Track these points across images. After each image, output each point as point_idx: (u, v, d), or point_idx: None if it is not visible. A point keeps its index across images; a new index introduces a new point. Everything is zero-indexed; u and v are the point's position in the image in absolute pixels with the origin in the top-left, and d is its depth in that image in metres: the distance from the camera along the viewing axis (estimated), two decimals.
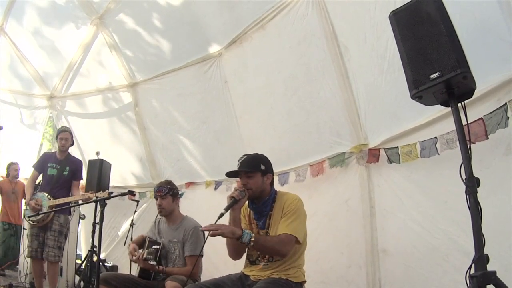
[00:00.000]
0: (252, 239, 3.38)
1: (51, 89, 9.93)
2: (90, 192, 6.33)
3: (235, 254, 3.85)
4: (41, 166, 6.52)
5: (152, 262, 4.60)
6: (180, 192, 5.50)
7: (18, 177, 9.04)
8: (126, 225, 8.76)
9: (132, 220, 7.40)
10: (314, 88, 5.87)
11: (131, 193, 5.71)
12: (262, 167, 3.78)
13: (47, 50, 9.48)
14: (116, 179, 8.91)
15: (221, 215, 3.52)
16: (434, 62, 3.02)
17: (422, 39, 3.13)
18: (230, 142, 7.43)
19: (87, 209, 7.62)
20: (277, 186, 6.38)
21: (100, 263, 6.26)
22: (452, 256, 4.17)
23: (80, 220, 8.08)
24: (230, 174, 3.91)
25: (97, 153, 7.90)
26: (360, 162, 5.38)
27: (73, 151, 9.81)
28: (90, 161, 8.03)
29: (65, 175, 6.36)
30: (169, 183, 5.06)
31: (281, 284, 3.49)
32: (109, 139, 9.50)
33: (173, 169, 8.69)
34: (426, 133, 4.46)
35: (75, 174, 6.51)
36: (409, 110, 4.48)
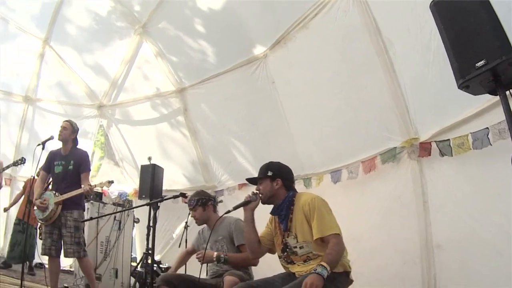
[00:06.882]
0: (328, 269, 3.40)
1: (100, 98, 10.23)
2: (103, 182, 6.17)
3: (252, 253, 4.17)
4: (47, 166, 6.38)
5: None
6: (218, 199, 5.65)
7: None
8: (180, 228, 8.86)
9: (186, 223, 7.45)
10: (361, 83, 5.84)
11: (183, 195, 5.73)
12: (270, 173, 3.98)
13: (93, 61, 9.77)
14: (169, 183, 9.03)
15: (228, 211, 4.02)
16: (479, 50, 2.93)
17: (465, 27, 3.04)
18: (280, 142, 7.46)
19: (142, 213, 7.76)
20: (329, 184, 6.44)
21: (155, 265, 6.36)
22: (506, 250, 4.05)
23: (135, 224, 8.21)
24: (250, 181, 4.26)
25: (149, 158, 7.99)
26: (411, 157, 5.31)
27: (125, 156, 10.09)
28: (142, 166, 8.15)
29: (71, 169, 6.15)
30: (197, 194, 5.24)
31: None
32: (160, 144, 9.67)
33: (226, 171, 8.81)
34: (477, 124, 4.35)
35: (81, 166, 6.20)
36: (457, 101, 4.35)
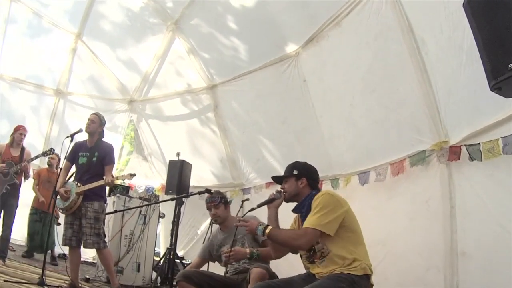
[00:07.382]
0: (267, 232, 3.60)
1: (131, 93, 10.40)
2: (125, 175, 6.21)
3: (274, 251, 4.13)
4: (72, 156, 6.34)
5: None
6: (229, 200, 5.65)
7: (55, 168, 8.88)
8: (205, 224, 8.90)
9: (212, 219, 7.50)
10: (393, 83, 5.75)
11: (209, 191, 5.74)
12: (295, 171, 4.03)
13: (125, 56, 9.95)
14: (196, 179, 9.07)
15: (252, 209, 4.09)
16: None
17: (498, 27, 2.94)
18: (311, 141, 7.41)
19: (168, 209, 7.80)
20: (357, 186, 6.38)
21: (178, 261, 6.34)
22: None
23: (160, 219, 8.25)
24: (275, 179, 4.22)
25: (178, 154, 8.04)
26: (441, 160, 5.19)
27: (154, 151, 10.19)
28: (170, 161, 8.21)
29: (94, 161, 6.17)
30: (219, 193, 5.29)
31: (340, 279, 3.47)
32: (189, 140, 9.76)
33: (254, 169, 8.81)
34: (509, 128, 4.22)
35: (105, 158, 6.20)
36: (490, 103, 4.24)
